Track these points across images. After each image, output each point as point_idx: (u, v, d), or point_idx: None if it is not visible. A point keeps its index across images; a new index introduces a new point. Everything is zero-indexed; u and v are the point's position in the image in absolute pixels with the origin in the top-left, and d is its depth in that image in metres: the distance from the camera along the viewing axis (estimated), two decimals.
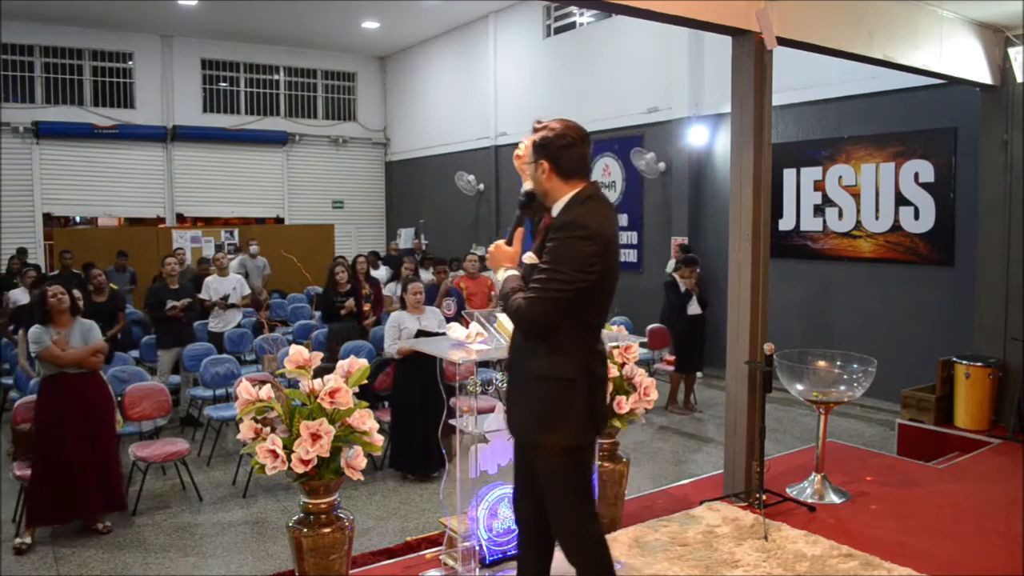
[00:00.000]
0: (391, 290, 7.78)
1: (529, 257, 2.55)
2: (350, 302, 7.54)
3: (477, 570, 3.30)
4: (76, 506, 4.76)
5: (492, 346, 3.09)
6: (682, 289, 7.68)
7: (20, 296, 8.32)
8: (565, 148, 2.50)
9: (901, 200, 7.79)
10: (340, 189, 17.09)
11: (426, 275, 10.09)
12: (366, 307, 7.78)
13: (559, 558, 2.65)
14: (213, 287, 8.19)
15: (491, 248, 2.68)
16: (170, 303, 7.23)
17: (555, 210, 2.54)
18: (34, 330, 4.76)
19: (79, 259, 10.57)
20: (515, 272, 2.58)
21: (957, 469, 5.06)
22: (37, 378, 5.25)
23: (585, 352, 2.51)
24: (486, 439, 3.21)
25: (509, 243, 2.66)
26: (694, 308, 7.67)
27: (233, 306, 8.21)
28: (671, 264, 9.58)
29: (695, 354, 7.76)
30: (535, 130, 2.57)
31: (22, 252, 11.77)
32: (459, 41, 14.62)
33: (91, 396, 4.84)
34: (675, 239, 9.94)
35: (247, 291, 8.57)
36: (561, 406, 2.47)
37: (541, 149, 2.53)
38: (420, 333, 5.66)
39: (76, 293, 5.52)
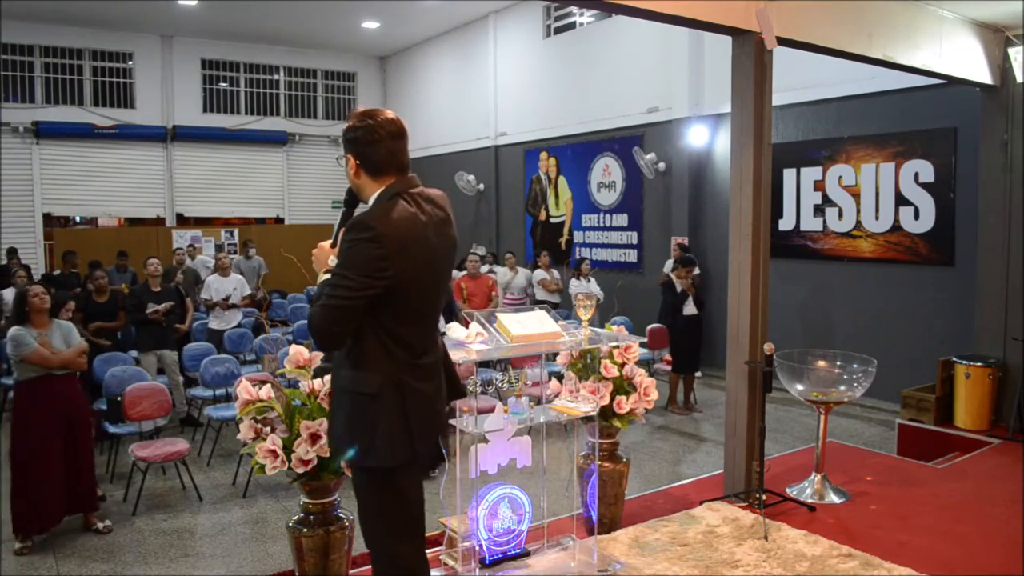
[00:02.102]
0: None
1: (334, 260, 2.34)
2: None
3: (477, 570, 3.30)
4: (58, 510, 4.70)
5: (492, 346, 3.09)
6: (678, 289, 7.68)
7: (10, 296, 8.30)
8: (371, 144, 2.28)
9: (901, 200, 7.79)
10: (340, 189, 16.69)
11: None
12: None
13: (560, 558, 2.63)
14: (215, 287, 8.31)
15: (314, 250, 2.47)
16: (151, 306, 7.13)
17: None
18: (16, 331, 4.59)
19: (80, 259, 10.56)
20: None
21: (957, 469, 5.06)
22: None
23: (394, 366, 2.26)
24: (486, 439, 3.21)
25: (334, 244, 2.38)
26: (690, 308, 7.66)
27: (234, 306, 8.29)
28: (669, 264, 9.59)
29: (691, 355, 7.74)
30: (348, 119, 2.35)
31: (11, 252, 11.65)
32: (459, 41, 14.61)
33: (72, 397, 4.79)
34: (675, 239, 9.94)
35: (247, 291, 8.67)
36: (366, 424, 2.25)
37: (347, 144, 2.33)
38: None
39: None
